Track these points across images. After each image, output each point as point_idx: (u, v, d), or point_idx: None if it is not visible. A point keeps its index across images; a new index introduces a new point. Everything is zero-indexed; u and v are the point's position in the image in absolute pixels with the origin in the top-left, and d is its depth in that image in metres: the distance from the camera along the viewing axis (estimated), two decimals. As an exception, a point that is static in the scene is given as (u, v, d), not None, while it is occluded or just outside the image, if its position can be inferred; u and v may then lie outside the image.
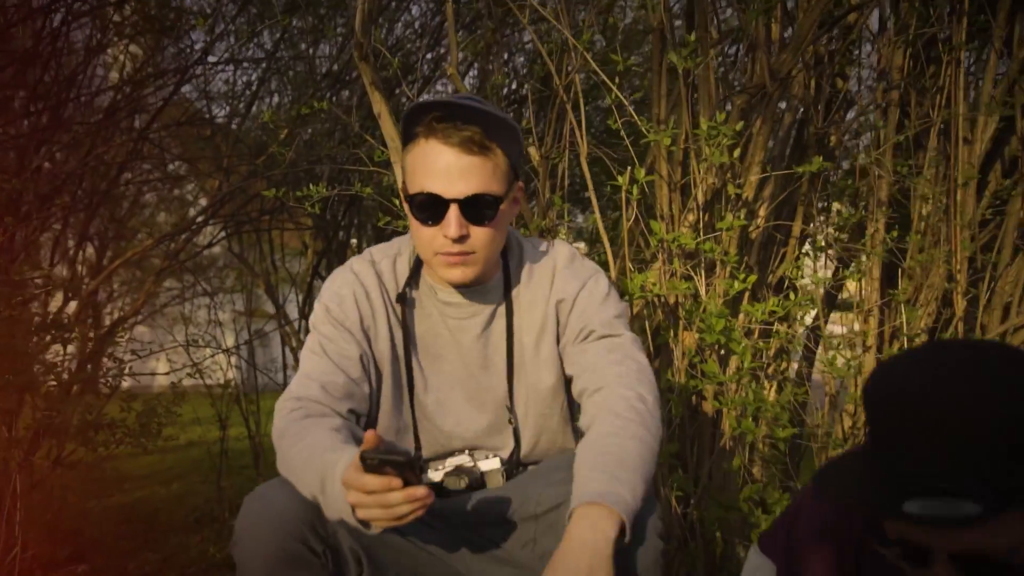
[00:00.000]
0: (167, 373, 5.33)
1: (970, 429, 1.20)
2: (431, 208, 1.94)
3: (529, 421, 2.14)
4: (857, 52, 3.25)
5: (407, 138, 2.00)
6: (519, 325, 2.11)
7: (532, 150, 3.03)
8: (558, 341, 2.11)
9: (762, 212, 3.21)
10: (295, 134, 4.15)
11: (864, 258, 3.02)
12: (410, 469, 1.62)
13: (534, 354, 2.11)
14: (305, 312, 6.34)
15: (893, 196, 3.16)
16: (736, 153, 2.55)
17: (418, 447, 2.13)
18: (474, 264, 1.98)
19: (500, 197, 1.96)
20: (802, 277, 2.98)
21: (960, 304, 3.08)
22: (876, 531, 1.37)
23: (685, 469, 2.89)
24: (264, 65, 5.82)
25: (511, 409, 2.13)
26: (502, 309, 2.12)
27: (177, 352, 6.13)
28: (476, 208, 1.93)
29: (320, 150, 4.81)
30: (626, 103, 2.70)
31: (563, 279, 2.11)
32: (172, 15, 4.82)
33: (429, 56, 5.27)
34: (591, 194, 2.82)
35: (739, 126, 2.52)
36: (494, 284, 2.11)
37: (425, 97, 2.20)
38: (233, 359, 6.32)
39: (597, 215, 2.84)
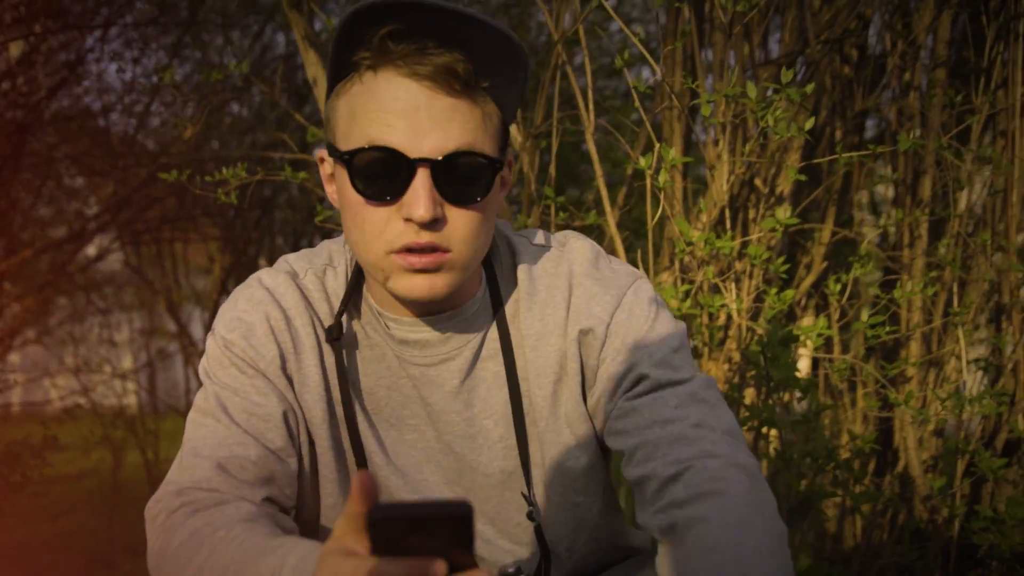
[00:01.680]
0: (46, 403, 4.51)
1: None
2: (385, 174, 1.11)
3: (555, 515, 1.31)
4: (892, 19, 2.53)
5: (339, 70, 1.15)
6: (523, 370, 1.27)
7: (513, 129, 2.20)
8: (584, 393, 1.28)
9: (784, 213, 2.46)
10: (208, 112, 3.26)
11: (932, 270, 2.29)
12: (459, 534, 0.79)
13: (551, 415, 1.27)
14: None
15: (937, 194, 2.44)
16: (809, 124, 1.80)
17: None
18: (450, 270, 1.15)
19: (496, 161, 1.14)
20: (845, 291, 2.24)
21: (1017, 322, 2.39)
22: None
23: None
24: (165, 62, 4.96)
25: (531, 498, 1.28)
26: (492, 344, 1.28)
27: (67, 376, 5.40)
28: (459, 176, 1.11)
29: (237, 142, 4.02)
30: (653, 63, 1.91)
31: (586, 295, 1.26)
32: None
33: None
34: (599, 181, 2.03)
35: (810, 88, 1.77)
36: (476, 306, 1.27)
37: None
38: (132, 383, 5.65)
39: (607, 207, 2.04)
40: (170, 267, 5.75)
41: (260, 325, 1.23)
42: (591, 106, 2.03)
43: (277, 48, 5.50)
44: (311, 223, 5.52)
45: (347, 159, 1.13)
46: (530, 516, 1.28)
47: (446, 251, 1.13)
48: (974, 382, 2.59)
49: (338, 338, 1.24)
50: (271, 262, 5.98)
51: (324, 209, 2.23)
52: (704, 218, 2.18)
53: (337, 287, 1.28)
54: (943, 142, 2.19)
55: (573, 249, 1.30)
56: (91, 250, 5.27)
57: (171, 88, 4.45)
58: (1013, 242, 2.37)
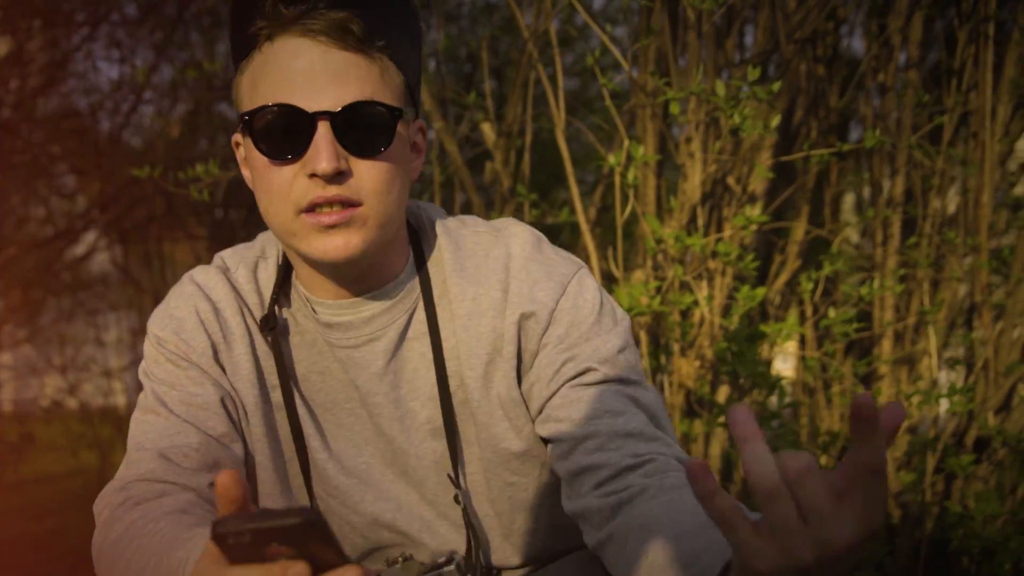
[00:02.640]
0: (35, 401, 4.49)
1: None
2: (286, 131, 1.11)
3: (492, 495, 1.30)
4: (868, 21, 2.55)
5: (239, 48, 1.16)
6: (453, 349, 1.26)
7: (487, 127, 2.21)
8: (519, 376, 1.26)
9: (755, 211, 2.48)
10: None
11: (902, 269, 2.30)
12: (317, 537, 0.78)
13: (483, 396, 1.25)
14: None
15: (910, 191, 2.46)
16: (774, 122, 1.81)
17: None
18: (363, 226, 1.13)
19: (398, 110, 1.14)
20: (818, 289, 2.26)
21: (987, 321, 2.41)
22: None
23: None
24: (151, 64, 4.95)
25: (457, 481, 1.28)
26: (419, 325, 1.26)
27: (56, 375, 5.39)
28: (360, 126, 1.11)
29: (226, 140, 4.00)
30: (622, 60, 1.93)
31: (529, 279, 1.24)
32: None
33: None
34: (570, 178, 2.04)
35: (776, 86, 1.78)
36: (401, 285, 1.26)
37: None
38: (119, 382, 5.64)
39: (578, 204, 2.05)
40: (158, 266, 5.74)
41: (190, 319, 1.24)
42: (562, 104, 2.04)
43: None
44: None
45: (248, 120, 1.13)
46: (456, 499, 1.27)
47: (356, 204, 1.12)
48: (947, 380, 2.60)
49: (273, 328, 1.25)
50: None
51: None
52: (677, 216, 2.19)
53: (268, 278, 1.28)
54: (911, 141, 2.21)
55: (513, 233, 1.28)
56: (79, 249, 5.27)
57: (154, 86, 4.46)
58: (984, 242, 2.39)
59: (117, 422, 5.55)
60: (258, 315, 1.27)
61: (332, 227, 1.12)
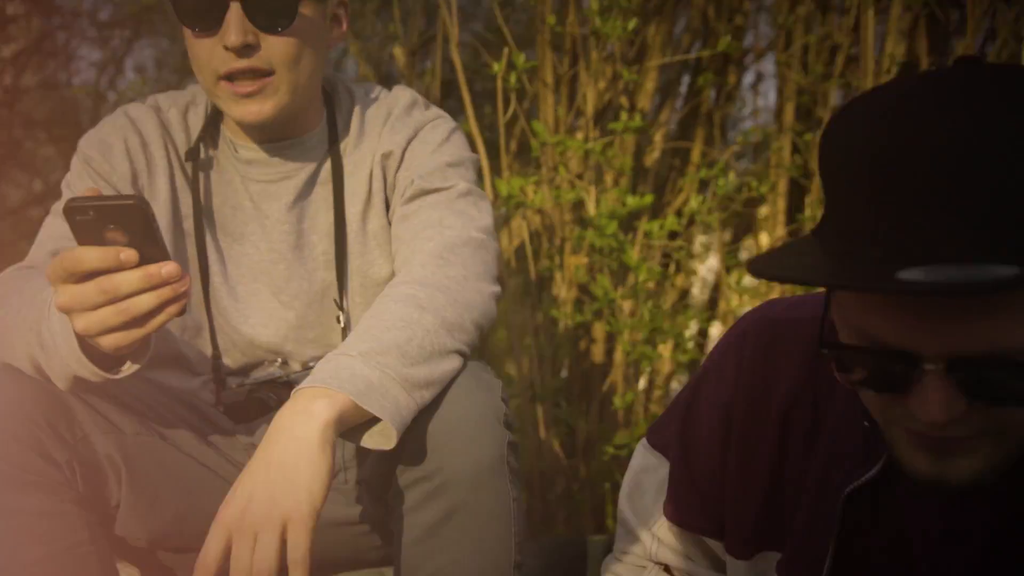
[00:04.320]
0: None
1: (997, 169, 0.72)
2: (203, 8, 1.33)
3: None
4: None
5: None
6: (347, 194, 1.52)
7: (398, 51, 2.45)
8: (387, 210, 1.52)
9: (657, 138, 2.70)
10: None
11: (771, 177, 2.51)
12: (146, 230, 1.02)
13: (360, 230, 1.51)
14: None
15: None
16: (632, 25, 2.03)
17: (217, 356, 1.51)
18: (275, 92, 1.37)
19: None
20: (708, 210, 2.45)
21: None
22: (830, 342, 0.86)
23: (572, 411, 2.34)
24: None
25: (341, 304, 1.52)
26: (326, 172, 1.52)
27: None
28: (267, 6, 1.34)
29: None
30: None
31: (393, 128, 1.51)
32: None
33: None
34: (462, 87, 2.27)
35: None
36: (315, 138, 1.51)
37: None
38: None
39: (470, 111, 2.28)
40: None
41: (118, 145, 1.46)
42: (454, 17, 2.27)
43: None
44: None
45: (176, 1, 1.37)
46: (338, 319, 1.52)
47: (268, 74, 1.36)
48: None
49: (196, 159, 1.48)
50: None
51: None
52: (578, 135, 2.41)
53: (196, 120, 1.52)
54: (781, 58, 2.41)
55: (395, 95, 1.55)
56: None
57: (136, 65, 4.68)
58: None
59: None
60: (183, 151, 1.50)
61: (247, 96, 1.35)
